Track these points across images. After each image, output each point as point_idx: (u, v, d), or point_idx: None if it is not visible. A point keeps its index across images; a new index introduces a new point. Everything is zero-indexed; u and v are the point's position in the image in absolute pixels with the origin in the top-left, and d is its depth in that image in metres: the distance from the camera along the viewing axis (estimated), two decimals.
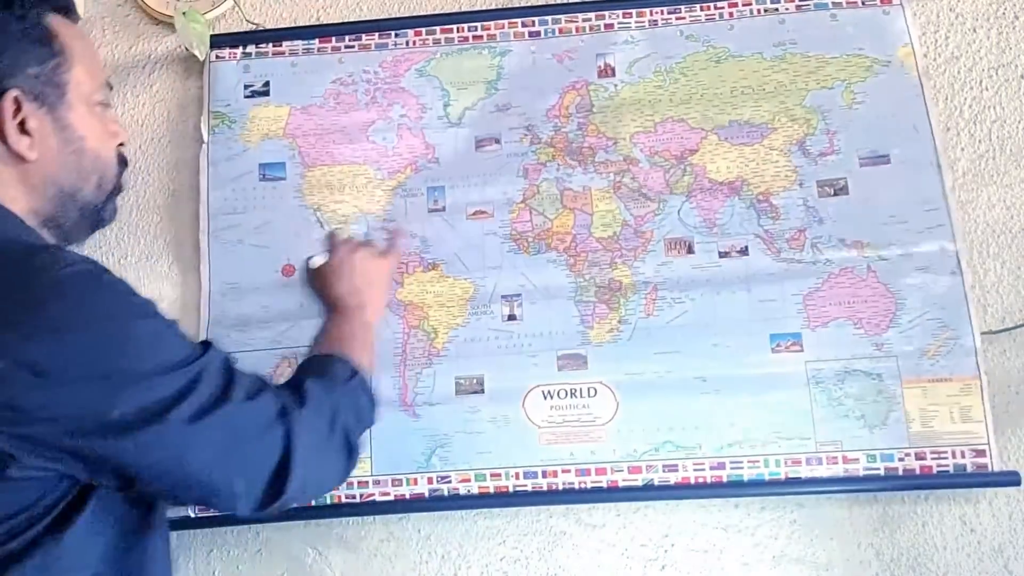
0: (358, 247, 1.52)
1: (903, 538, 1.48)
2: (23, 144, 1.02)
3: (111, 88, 1.16)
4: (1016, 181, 1.60)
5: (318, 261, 1.55)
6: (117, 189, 1.18)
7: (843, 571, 1.48)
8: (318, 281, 1.54)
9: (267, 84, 1.73)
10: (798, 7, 1.67)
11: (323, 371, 1.22)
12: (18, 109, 1.02)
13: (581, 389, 1.53)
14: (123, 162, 1.20)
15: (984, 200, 1.60)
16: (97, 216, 1.16)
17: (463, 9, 1.77)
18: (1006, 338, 1.54)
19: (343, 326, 1.41)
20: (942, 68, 1.66)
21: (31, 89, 1.03)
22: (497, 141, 1.67)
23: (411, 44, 1.73)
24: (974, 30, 1.67)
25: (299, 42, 1.75)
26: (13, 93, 1.01)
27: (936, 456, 1.45)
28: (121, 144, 1.19)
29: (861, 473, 1.46)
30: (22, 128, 1.03)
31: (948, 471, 1.45)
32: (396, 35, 1.73)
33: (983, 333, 1.51)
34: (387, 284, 1.54)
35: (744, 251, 1.56)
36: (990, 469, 1.44)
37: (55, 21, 1.08)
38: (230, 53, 1.74)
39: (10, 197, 1.04)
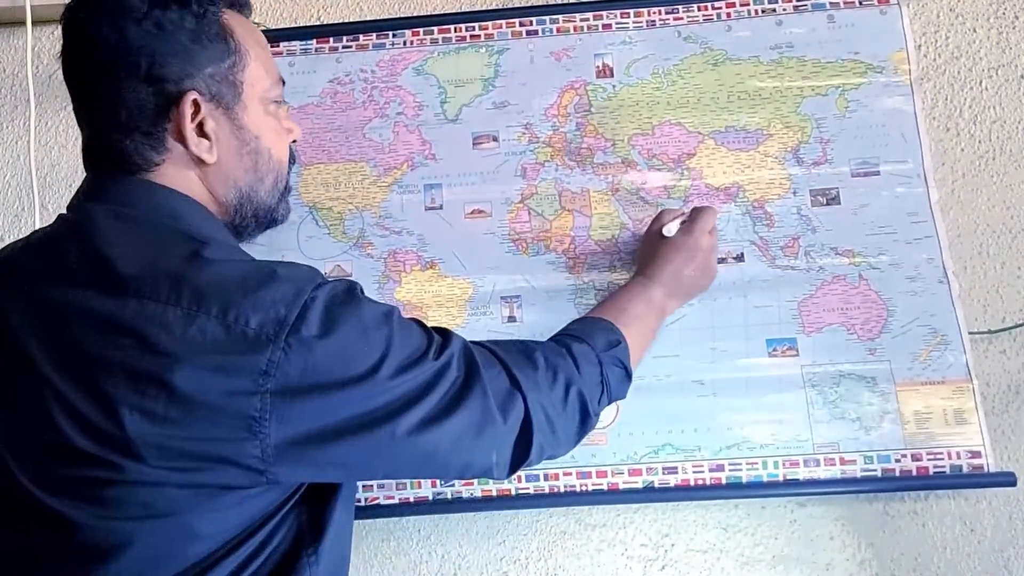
0: (712, 240, 1.41)
1: (903, 538, 1.52)
2: (203, 147, 1.01)
3: (284, 84, 1.13)
4: (1016, 181, 1.61)
5: (673, 229, 1.40)
6: (288, 188, 1.16)
7: (843, 571, 1.52)
8: (650, 246, 1.44)
9: None
10: (795, 7, 1.66)
11: (586, 334, 1.22)
12: (196, 111, 1.00)
13: None
14: (293, 159, 1.19)
15: (984, 200, 1.61)
16: (271, 216, 1.14)
17: (461, 9, 1.77)
18: (1006, 337, 1.56)
19: (639, 304, 1.34)
20: (942, 68, 1.65)
21: (208, 89, 1.01)
22: (495, 139, 1.67)
23: (408, 44, 1.72)
24: (974, 30, 1.66)
25: (296, 42, 1.74)
26: (192, 95, 0.99)
27: (932, 457, 1.47)
28: (294, 140, 1.17)
29: (859, 474, 1.48)
30: (200, 130, 1.01)
31: (944, 472, 1.47)
32: (394, 35, 1.73)
33: (971, 334, 1.52)
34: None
35: (740, 258, 1.57)
36: (986, 470, 1.47)
37: (231, 17, 1.05)
38: None
39: (198, 199, 1.04)
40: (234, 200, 1.07)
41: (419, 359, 0.99)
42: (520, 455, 1.07)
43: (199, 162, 1.02)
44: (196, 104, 0.99)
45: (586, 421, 1.17)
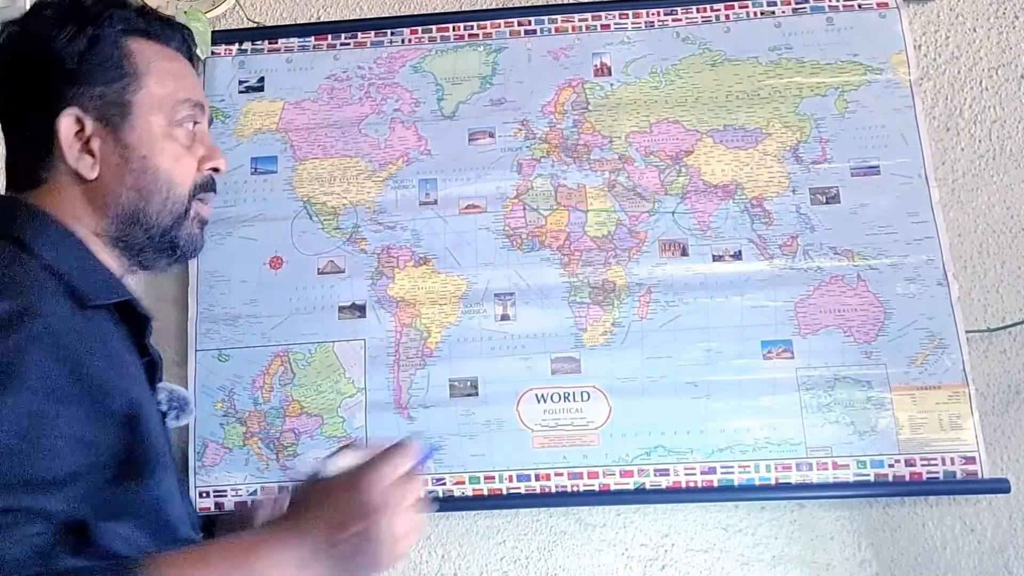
0: (404, 494, 0.82)
1: (903, 538, 1.50)
2: (84, 163, 1.01)
3: (204, 109, 1.09)
4: (1016, 181, 1.60)
5: (345, 462, 0.84)
6: (193, 216, 1.09)
7: (843, 571, 1.49)
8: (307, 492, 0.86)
9: (262, 79, 1.73)
10: (794, 10, 1.65)
11: None
12: (81, 129, 1.01)
13: (574, 393, 1.54)
14: (205, 187, 1.11)
15: (984, 200, 1.59)
16: (169, 242, 1.07)
17: (460, 9, 1.76)
18: (1006, 337, 1.54)
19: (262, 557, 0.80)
20: (942, 68, 1.64)
21: (95, 108, 1.02)
22: (491, 135, 1.66)
23: (407, 41, 1.72)
24: (974, 30, 1.65)
25: (295, 39, 1.74)
26: (74, 112, 1.00)
27: (926, 463, 1.46)
28: (215, 169, 1.12)
29: (851, 479, 1.47)
30: (86, 147, 1.01)
31: (938, 478, 1.46)
32: (392, 33, 1.72)
33: (969, 332, 1.51)
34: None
35: (737, 255, 1.56)
36: (980, 476, 1.45)
37: (134, 43, 1.06)
38: (226, 49, 1.74)
39: (75, 215, 1.03)
40: (119, 218, 1.04)
41: None
42: None
43: (81, 179, 1.02)
44: (79, 122, 1.01)
45: None
